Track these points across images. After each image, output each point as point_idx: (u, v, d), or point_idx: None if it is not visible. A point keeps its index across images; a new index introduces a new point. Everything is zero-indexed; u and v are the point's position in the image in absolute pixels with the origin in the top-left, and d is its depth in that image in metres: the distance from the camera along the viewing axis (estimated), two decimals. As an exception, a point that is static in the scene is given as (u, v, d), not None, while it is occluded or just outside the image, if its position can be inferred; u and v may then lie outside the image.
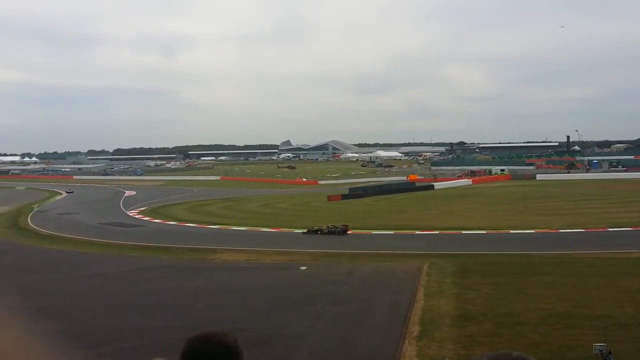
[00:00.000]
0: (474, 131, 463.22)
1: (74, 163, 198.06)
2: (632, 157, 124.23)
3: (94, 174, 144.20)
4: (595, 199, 56.17)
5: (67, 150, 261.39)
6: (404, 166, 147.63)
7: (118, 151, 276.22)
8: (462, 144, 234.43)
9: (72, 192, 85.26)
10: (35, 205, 68.43)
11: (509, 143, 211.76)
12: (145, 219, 54.17)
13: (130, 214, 58.21)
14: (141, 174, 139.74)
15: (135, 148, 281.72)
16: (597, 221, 40.86)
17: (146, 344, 17.21)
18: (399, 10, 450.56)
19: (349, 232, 40.72)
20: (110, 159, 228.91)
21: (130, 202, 70.12)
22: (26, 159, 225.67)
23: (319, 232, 40.68)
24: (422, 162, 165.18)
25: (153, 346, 16.83)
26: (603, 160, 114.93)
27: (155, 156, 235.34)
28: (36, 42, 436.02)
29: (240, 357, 2.12)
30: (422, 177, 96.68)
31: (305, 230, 41.53)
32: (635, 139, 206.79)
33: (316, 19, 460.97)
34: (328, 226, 41.26)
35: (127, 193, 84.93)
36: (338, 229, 40.74)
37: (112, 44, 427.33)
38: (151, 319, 20.85)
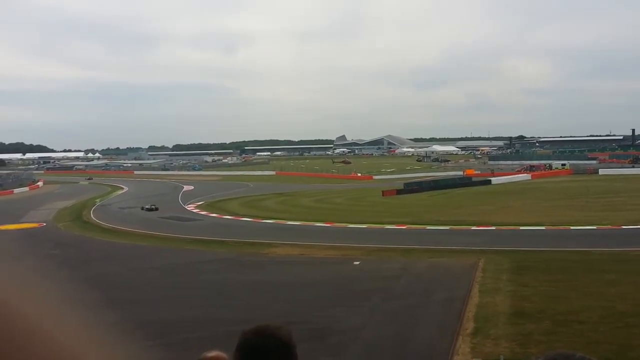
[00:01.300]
0: (534, 125, 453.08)
1: (135, 158, 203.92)
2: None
3: (154, 169, 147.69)
4: (662, 195, 53.89)
5: (128, 146, 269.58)
6: (460, 161, 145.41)
7: (177, 147, 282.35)
8: (521, 138, 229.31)
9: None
10: (97, 200, 70.69)
11: (570, 137, 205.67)
12: (203, 213, 55.21)
13: (188, 208, 59.41)
14: (199, 169, 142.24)
15: (193, 144, 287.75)
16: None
17: (202, 336, 17.56)
18: (459, 1, 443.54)
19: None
20: (170, 155, 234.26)
21: (189, 197, 71.55)
22: (90, 154, 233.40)
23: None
24: (479, 156, 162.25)
25: (209, 339, 17.12)
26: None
27: (212, 152, 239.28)
28: (99, 41, 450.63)
29: (294, 350, 2.14)
30: (479, 172, 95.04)
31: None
32: None
33: (372, 12, 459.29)
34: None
35: (186, 188, 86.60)
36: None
37: (172, 42, 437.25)
38: (207, 311, 21.26)
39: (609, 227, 37.24)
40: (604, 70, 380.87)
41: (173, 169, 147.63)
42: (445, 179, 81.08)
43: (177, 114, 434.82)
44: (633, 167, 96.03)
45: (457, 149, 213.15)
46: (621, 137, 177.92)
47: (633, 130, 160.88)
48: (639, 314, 17.91)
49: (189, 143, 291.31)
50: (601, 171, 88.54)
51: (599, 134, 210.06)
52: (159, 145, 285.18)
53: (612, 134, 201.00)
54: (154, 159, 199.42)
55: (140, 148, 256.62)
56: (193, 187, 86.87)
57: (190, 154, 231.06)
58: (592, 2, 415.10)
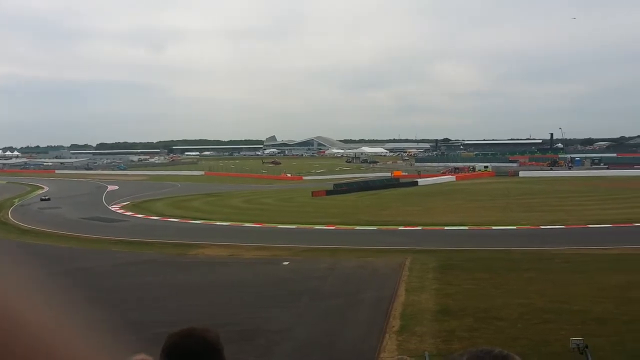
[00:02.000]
0: (459, 128, 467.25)
1: (56, 157, 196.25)
2: (614, 154, 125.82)
3: (76, 168, 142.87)
4: (577, 196, 56.68)
5: (49, 145, 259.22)
6: (388, 162, 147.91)
7: (101, 145, 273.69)
8: (446, 140, 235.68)
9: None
10: (16, 200, 67.76)
11: (493, 140, 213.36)
12: (128, 213, 53.89)
13: (113, 209, 57.84)
14: (124, 169, 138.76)
15: (118, 142, 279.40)
16: (578, 218, 41.29)
17: (128, 339, 17.09)
18: (389, 6, 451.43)
19: None
20: (93, 154, 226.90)
21: (113, 197, 69.64)
22: (8, 152, 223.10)
23: None
24: (406, 158, 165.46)
25: (135, 341, 16.69)
26: (585, 157, 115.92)
27: (138, 151, 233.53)
28: (22, 35, 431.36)
29: (221, 353, 2.13)
30: (407, 174, 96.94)
31: None
32: (618, 137, 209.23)
33: (304, 14, 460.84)
34: None
35: (110, 188, 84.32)
36: None
37: (98, 38, 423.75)
38: (133, 313, 20.75)
39: (528, 227, 38.85)
40: (525, 76, 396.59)
41: (97, 168, 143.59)
42: (373, 180, 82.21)
43: (103, 111, 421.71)
44: (551, 169, 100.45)
45: (386, 150, 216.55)
46: (540, 141, 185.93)
47: (551, 135, 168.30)
48: (556, 311, 18.76)
49: (114, 142, 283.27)
50: (521, 173, 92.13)
51: (519, 138, 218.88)
52: (82, 143, 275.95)
53: (532, 137, 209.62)
54: (76, 158, 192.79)
55: (62, 146, 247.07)
56: (118, 187, 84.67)
57: (115, 153, 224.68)
58: (518, 9, 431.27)
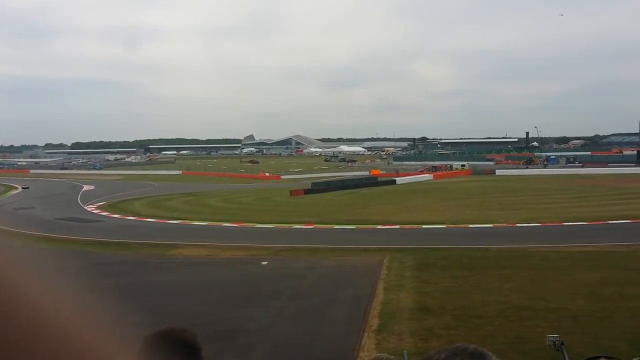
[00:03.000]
0: (437, 126, 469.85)
1: (30, 157, 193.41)
2: (589, 153, 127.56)
3: (51, 167, 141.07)
4: (552, 194, 57.37)
5: (23, 144, 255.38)
6: (367, 161, 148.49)
7: (77, 145, 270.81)
8: (424, 139, 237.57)
9: (27, 187, 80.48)
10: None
11: (470, 139, 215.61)
12: (104, 213, 53.30)
13: (88, 209, 57.17)
14: (100, 168, 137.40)
15: (94, 142, 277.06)
16: (554, 215, 41.79)
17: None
18: (367, 5, 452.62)
19: None
20: (69, 153, 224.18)
21: (89, 197, 68.86)
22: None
23: None
24: (384, 157, 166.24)
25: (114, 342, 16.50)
26: (560, 156, 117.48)
27: (115, 150, 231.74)
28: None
29: (199, 353, 2.09)
30: (385, 172, 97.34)
31: None
32: (592, 135, 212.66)
33: (282, 13, 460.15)
34: None
35: (85, 187, 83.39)
36: None
37: (73, 35, 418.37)
38: (110, 314, 20.49)
39: (505, 225, 39.22)
40: (501, 75, 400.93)
41: (72, 167, 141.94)
42: (352, 179, 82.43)
43: (78, 110, 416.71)
44: (527, 168, 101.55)
45: (364, 149, 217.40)
46: (516, 140, 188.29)
47: (527, 133, 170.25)
48: (532, 308, 18.96)
49: (90, 141, 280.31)
50: (498, 172, 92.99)
51: (496, 136, 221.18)
52: (57, 142, 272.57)
53: (508, 136, 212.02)
54: (51, 157, 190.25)
55: (37, 146, 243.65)
56: (94, 187, 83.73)
57: (91, 152, 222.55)
58: (494, 9, 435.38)
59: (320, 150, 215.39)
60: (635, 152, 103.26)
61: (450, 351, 1.32)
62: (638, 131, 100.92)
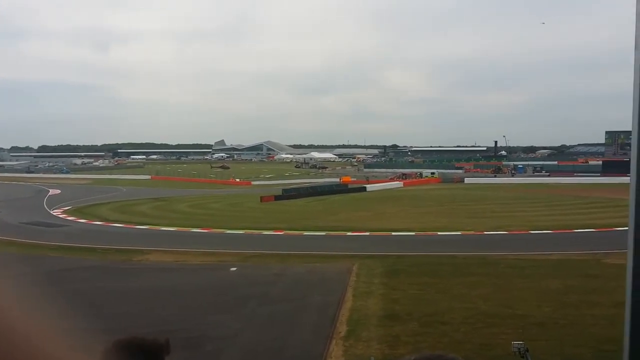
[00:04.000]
0: (408, 134, 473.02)
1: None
2: (555, 162, 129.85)
3: (17, 171, 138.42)
4: (520, 203, 58.24)
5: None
6: (337, 168, 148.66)
7: (43, 148, 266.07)
8: (395, 146, 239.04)
9: None
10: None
11: (439, 147, 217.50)
12: (70, 218, 52.40)
13: (54, 213, 56.15)
14: (67, 172, 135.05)
15: (61, 145, 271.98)
16: (521, 224, 42.40)
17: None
18: (338, 13, 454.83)
19: None
20: (35, 156, 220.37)
21: (55, 201, 67.68)
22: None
23: None
24: (355, 164, 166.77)
25: (78, 349, 16.20)
26: (528, 165, 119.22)
27: (82, 154, 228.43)
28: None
29: None
30: (355, 179, 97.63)
31: None
32: (559, 145, 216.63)
33: (258, 18, 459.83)
34: None
35: (52, 191, 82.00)
36: None
37: (40, 36, 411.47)
38: (76, 321, 20.09)
39: (473, 232, 39.65)
40: (470, 85, 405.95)
41: (38, 171, 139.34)
42: (322, 186, 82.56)
43: (45, 113, 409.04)
44: (495, 176, 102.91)
45: (335, 156, 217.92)
46: (485, 149, 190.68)
47: (495, 142, 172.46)
48: (499, 315, 19.16)
49: (57, 144, 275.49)
50: (467, 180, 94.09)
51: (465, 145, 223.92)
52: (23, 145, 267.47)
53: (477, 145, 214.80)
54: (17, 161, 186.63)
55: (2, 148, 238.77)
56: (60, 191, 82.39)
57: (58, 155, 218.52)
58: (464, 20, 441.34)
59: (291, 156, 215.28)
60: (600, 162, 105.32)
61: (427, 358, 1.29)
62: (604, 142, 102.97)
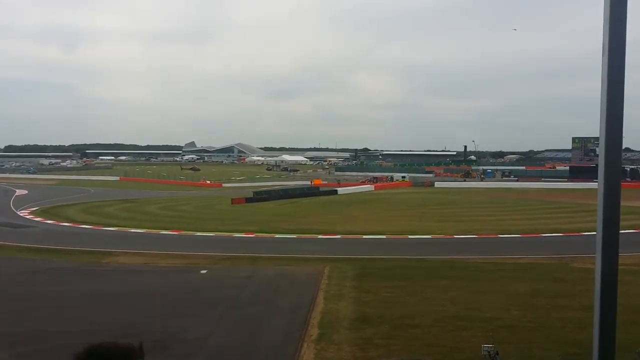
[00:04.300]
0: (379, 138, 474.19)
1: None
2: (523, 167, 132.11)
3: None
4: (489, 207, 59.02)
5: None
6: (308, 171, 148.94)
7: (9, 148, 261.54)
8: (366, 150, 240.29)
9: None
10: None
11: (410, 151, 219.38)
12: (37, 219, 51.55)
13: (21, 214, 55.17)
14: (34, 172, 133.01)
15: (28, 145, 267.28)
16: (489, 228, 42.96)
17: (39, 349, 16.35)
18: (308, 16, 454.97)
19: None
20: (1, 156, 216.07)
21: (22, 202, 66.56)
22: None
23: None
24: (326, 167, 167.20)
25: (46, 352, 16.01)
26: (497, 169, 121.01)
27: (50, 154, 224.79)
28: None
29: None
30: (326, 182, 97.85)
31: None
32: (527, 150, 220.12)
33: (230, 19, 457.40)
34: None
35: (18, 192, 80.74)
36: None
37: (6, 34, 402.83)
38: (44, 323, 19.77)
39: (443, 236, 40.03)
40: (441, 90, 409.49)
41: (4, 171, 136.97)
42: (293, 188, 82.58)
43: (11, 112, 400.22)
44: (464, 180, 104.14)
45: (306, 159, 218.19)
46: (455, 153, 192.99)
47: (465, 147, 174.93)
48: (468, 318, 19.32)
49: (24, 144, 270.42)
50: (437, 184, 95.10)
51: (435, 149, 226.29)
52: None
53: (447, 149, 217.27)
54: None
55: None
56: (27, 192, 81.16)
57: (25, 155, 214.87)
58: (435, 25, 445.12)
59: (262, 159, 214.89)
60: (567, 168, 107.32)
61: None
62: (570, 147, 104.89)
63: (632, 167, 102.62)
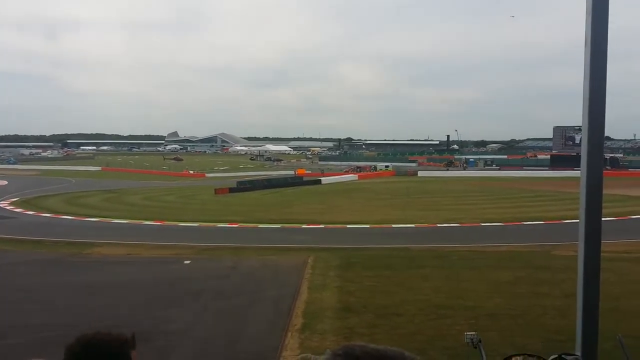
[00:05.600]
0: (362, 128, 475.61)
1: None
2: (505, 156, 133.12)
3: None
4: (471, 196, 59.38)
5: None
6: (292, 160, 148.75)
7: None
8: (349, 140, 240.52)
9: None
10: None
11: (393, 140, 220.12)
12: (17, 210, 50.97)
13: (1, 205, 54.49)
14: (14, 163, 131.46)
15: (8, 135, 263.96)
16: (472, 216, 43.25)
17: (21, 343, 16.19)
18: (293, 6, 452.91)
19: None
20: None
21: (1, 192, 65.70)
22: None
23: None
24: (310, 156, 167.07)
25: (29, 345, 15.86)
26: (479, 159, 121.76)
27: (30, 144, 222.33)
28: None
29: (130, 356, 1.99)
30: (310, 172, 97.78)
31: None
32: (509, 139, 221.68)
33: (208, 9, 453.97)
34: None
35: (-2, 183, 79.66)
36: None
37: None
38: (26, 316, 19.56)
39: (426, 225, 40.22)
40: (424, 80, 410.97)
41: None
42: (277, 178, 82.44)
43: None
44: (447, 170, 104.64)
45: (290, 148, 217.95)
46: (437, 142, 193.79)
47: (448, 136, 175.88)
48: (451, 306, 19.45)
49: (3, 134, 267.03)
50: (420, 173, 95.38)
51: (418, 139, 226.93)
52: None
53: (430, 139, 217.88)
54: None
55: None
56: (7, 182, 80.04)
57: (5, 146, 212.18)
58: (419, 16, 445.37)
59: (246, 148, 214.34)
60: (548, 157, 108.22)
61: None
62: (551, 137, 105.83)
63: (612, 155, 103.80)
